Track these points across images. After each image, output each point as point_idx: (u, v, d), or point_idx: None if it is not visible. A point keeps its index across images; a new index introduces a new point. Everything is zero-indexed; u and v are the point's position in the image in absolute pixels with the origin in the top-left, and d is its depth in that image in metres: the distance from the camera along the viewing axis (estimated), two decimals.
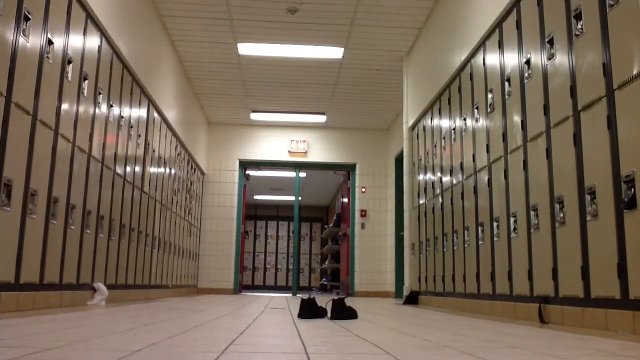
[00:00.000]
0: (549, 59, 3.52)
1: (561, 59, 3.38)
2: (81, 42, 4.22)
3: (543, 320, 3.39)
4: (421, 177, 6.73)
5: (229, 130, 10.46)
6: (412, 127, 7.27)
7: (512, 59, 4.13)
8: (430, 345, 2.01)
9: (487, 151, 4.55)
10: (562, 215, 3.31)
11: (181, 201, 8.34)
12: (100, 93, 4.64)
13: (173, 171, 7.72)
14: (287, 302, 6.23)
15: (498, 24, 4.42)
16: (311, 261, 17.89)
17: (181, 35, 7.06)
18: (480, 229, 4.66)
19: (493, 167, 4.44)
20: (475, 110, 4.87)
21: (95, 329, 2.34)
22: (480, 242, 4.65)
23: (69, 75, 3.98)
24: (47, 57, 3.62)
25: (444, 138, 5.85)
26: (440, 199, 5.89)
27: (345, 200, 11.28)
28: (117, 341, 1.90)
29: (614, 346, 2.09)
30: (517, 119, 3.99)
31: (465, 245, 5.03)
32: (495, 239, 4.32)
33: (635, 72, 2.66)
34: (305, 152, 10.43)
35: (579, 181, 3.13)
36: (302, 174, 12.32)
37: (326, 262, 14.23)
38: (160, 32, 6.63)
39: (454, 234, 5.37)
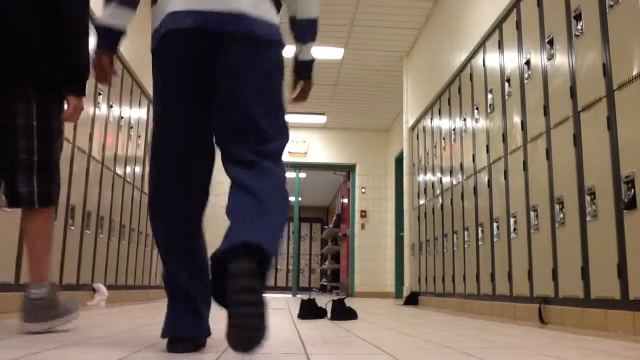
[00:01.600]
0: (549, 59, 3.53)
1: (561, 59, 3.38)
2: None
3: (543, 321, 3.39)
4: (421, 177, 6.73)
5: None
6: (412, 128, 7.27)
7: (512, 60, 4.13)
8: (431, 345, 2.01)
9: (487, 152, 4.55)
10: (562, 215, 3.31)
11: None
12: (100, 93, 4.64)
13: None
14: (287, 302, 6.23)
15: (498, 25, 4.42)
16: (311, 262, 17.87)
17: None
18: (480, 229, 4.66)
19: (493, 167, 4.44)
20: (475, 111, 4.87)
21: (95, 330, 2.34)
22: (480, 243, 4.65)
23: None
24: None
25: (443, 138, 5.85)
26: (440, 200, 5.88)
27: (345, 200, 11.29)
28: (116, 342, 1.90)
29: (614, 347, 2.09)
30: (517, 119, 3.99)
31: (465, 246, 5.03)
32: (495, 239, 4.32)
33: (635, 72, 2.66)
34: (305, 152, 10.42)
35: (579, 182, 3.13)
36: (302, 175, 12.31)
37: (326, 263, 14.22)
38: None
39: (454, 235, 5.37)
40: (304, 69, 1.90)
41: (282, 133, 1.64)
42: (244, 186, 1.53)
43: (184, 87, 1.60)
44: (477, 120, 4.84)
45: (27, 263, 2.20)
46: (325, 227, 15.30)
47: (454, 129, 5.50)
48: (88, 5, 2.29)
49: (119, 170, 5.22)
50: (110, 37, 1.66)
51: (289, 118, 1.67)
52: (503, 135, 4.22)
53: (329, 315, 3.45)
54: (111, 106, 4.94)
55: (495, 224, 4.33)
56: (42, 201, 2.13)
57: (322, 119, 10.03)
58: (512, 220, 4.02)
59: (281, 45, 1.65)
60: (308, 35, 1.85)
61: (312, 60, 1.90)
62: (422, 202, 6.63)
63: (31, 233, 2.17)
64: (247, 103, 1.58)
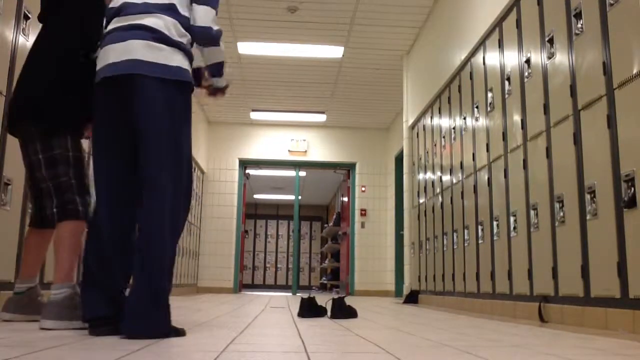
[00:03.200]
0: (549, 58, 3.52)
1: (561, 58, 3.38)
2: None
3: (543, 320, 3.39)
4: (421, 176, 6.73)
5: (229, 129, 10.45)
6: (412, 126, 7.27)
7: (512, 58, 4.13)
8: (430, 344, 2.01)
9: (487, 150, 4.55)
10: (562, 214, 3.31)
11: None
12: None
13: None
14: (287, 301, 6.23)
15: (498, 23, 4.42)
16: (311, 260, 17.88)
17: None
18: (480, 228, 4.66)
19: (493, 166, 4.43)
20: (475, 109, 4.87)
21: None
22: (480, 241, 4.65)
23: None
24: None
25: (444, 137, 5.85)
26: (440, 198, 5.88)
27: (345, 199, 11.28)
28: (116, 341, 1.90)
29: (613, 345, 2.09)
30: (517, 118, 3.99)
31: (465, 245, 5.03)
32: (495, 238, 4.32)
33: (635, 71, 2.66)
34: (305, 151, 10.41)
35: (579, 180, 3.13)
36: (302, 173, 12.30)
37: (326, 261, 14.22)
38: None
39: (454, 233, 5.37)
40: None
41: None
42: None
43: None
44: (477, 119, 4.83)
45: (53, 265, 2.44)
46: (325, 225, 15.30)
47: (454, 128, 5.49)
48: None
49: None
50: None
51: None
52: (503, 133, 4.22)
53: (328, 313, 3.45)
54: None
55: (495, 223, 4.33)
56: (60, 217, 2.45)
57: (322, 118, 10.02)
58: (512, 218, 4.02)
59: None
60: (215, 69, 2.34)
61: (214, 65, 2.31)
62: (422, 200, 6.63)
63: (56, 240, 2.47)
64: None
